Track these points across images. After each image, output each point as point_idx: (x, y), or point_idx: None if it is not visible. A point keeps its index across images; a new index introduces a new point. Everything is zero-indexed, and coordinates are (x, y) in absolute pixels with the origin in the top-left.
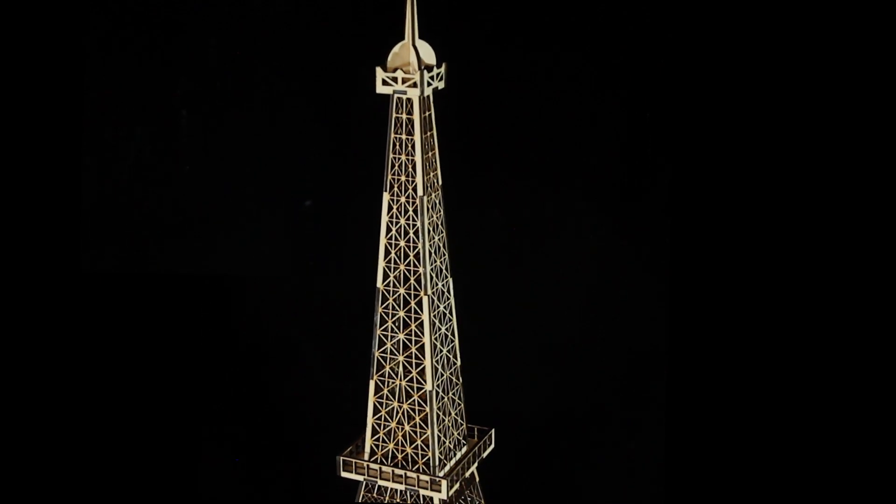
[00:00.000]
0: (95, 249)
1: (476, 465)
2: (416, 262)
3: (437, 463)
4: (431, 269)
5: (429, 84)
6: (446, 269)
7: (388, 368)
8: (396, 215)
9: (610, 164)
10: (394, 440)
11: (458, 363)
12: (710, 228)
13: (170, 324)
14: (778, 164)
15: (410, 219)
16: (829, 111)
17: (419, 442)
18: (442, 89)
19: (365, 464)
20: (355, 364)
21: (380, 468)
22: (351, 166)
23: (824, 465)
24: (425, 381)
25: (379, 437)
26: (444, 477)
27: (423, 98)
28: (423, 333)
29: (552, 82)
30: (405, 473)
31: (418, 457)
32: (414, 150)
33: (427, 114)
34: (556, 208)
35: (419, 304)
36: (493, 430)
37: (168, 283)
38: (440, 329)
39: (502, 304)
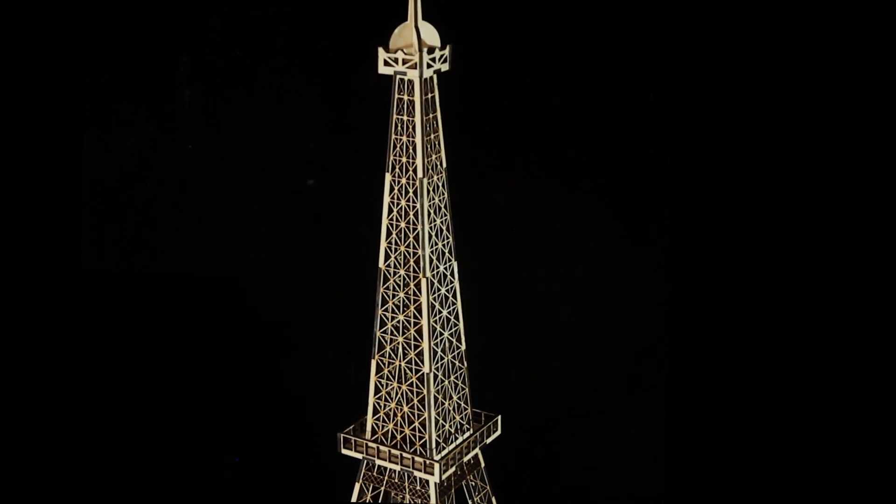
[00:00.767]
0: (95, 249)
1: (478, 449)
2: (417, 244)
3: (433, 445)
4: (431, 252)
5: (429, 66)
6: (449, 253)
7: (388, 349)
8: (398, 196)
9: (612, 153)
10: (393, 420)
11: (463, 347)
12: (711, 211)
13: (170, 324)
14: (778, 162)
15: (411, 200)
16: (828, 111)
17: (417, 424)
18: (450, 72)
19: (364, 442)
20: (360, 345)
21: (377, 447)
22: (356, 147)
23: (824, 461)
24: (423, 364)
25: (380, 417)
26: (438, 460)
27: (424, 80)
28: (421, 315)
29: (559, 69)
30: (401, 454)
31: (416, 438)
32: (415, 132)
33: (430, 96)
34: (559, 197)
35: (419, 286)
36: (499, 417)
37: (168, 283)
38: (441, 312)
39: (508, 292)
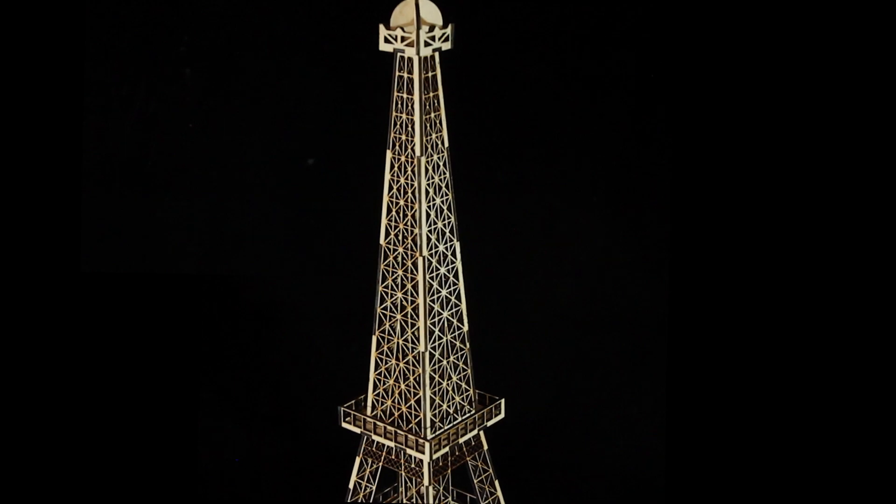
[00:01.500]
0: (95, 249)
1: (476, 431)
2: (414, 222)
3: (427, 424)
4: (429, 231)
5: (427, 44)
6: (451, 233)
7: (387, 325)
8: (398, 174)
9: (616, 140)
10: (391, 397)
11: (465, 328)
12: (711, 186)
13: (170, 324)
14: (778, 162)
15: (409, 178)
16: (828, 111)
17: (413, 402)
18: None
19: (362, 417)
20: (362, 322)
21: (374, 423)
22: (362, 123)
23: (824, 459)
24: (418, 342)
25: (379, 394)
26: (430, 439)
27: (423, 58)
28: (417, 294)
29: (565, 55)
30: (395, 431)
31: (412, 416)
32: (414, 110)
33: (431, 74)
34: (562, 184)
35: (416, 264)
36: (502, 401)
37: (168, 283)
38: (439, 292)
39: (512, 275)
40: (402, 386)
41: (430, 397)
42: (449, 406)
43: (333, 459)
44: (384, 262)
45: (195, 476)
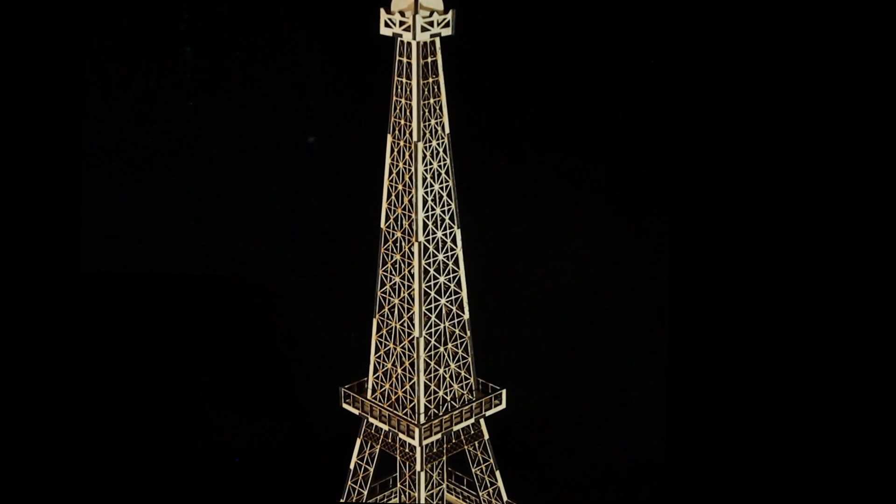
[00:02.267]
0: (95, 249)
1: (473, 420)
2: (412, 208)
3: (421, 410)
4: (427, 217)
5: (425, 29)
6: (451, 220)
7: (386, 309)
8: (397, 158)
9: (617, 128)
10: (389, 381)
11: (466, 316)
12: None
13: (170, 324)
14: (778, 161)
15: (407, 163)
16: (828, 110)
17: (408, 387)
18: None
19: (361, 399)
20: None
21: (371, 405)
22: (364, 107)
23: (823, 447)
24: (413, 327)
25: (378, 376)
26: (420, 424)
27: (423, 43)
28: (413, 279)
29: (570, 47)
30: (389, 415)
31: (407, 401)
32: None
33: (431, 59)
34: (565, 174)
35: (413, 249)
36: (503, 391)
37: (168, 283)
38: (437, 278)
39: (516, 266)
40: (399, 370)
41: (425, 383)
42: (446, 393)
43: (338, 444)
44: (384, 245)
45: (196, 474)
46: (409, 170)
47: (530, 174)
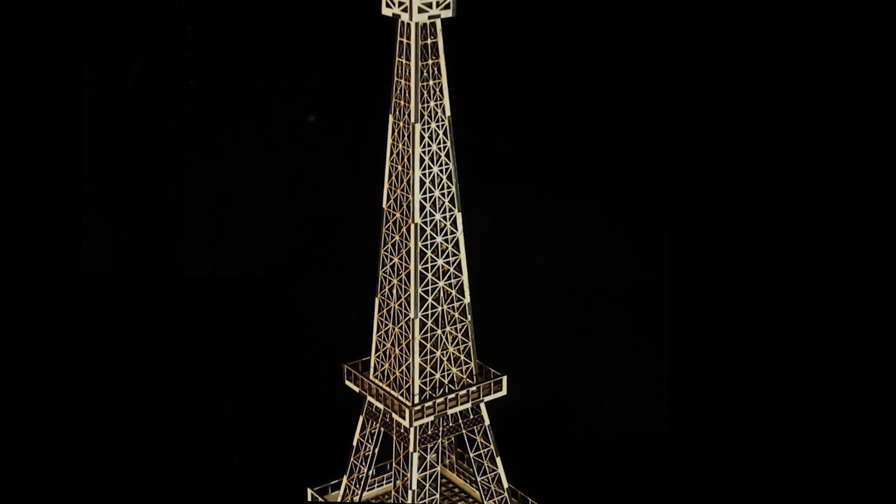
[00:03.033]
0: (95, 249)
1: (470, 405)
2: (409, 188)
3: (415, 391)
4: (424, 199)
5: (422, 10)
6: (451, 203)
7: (387, 289)
8: (398, 139)
9: (618, 121)
10: (388, 361)
11: (467, 300)
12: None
13: (170, 324)
14: (778, 161)
15: (406, 144)
16: (828, 110)
17: (404, 367)
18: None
19: (360, 377)
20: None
21: (370, 384)
22: (366, 86)
23: (823, 437)
24: (409, 309)
25: (380, 356)
26: (411, 406)
27: (422, 24)
28: (410, 261)
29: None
30: (385, 394)
31: (403, 382)
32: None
33: (431, 41)
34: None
35: (410, 230)
36: (504, 377)
37: (168, 283)
38: (435, 261)
39: (517, 254)
40: (396, 351)
41: (420, 365)
42: (444, 376)
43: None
44: (385, 225)
45: (196, 474)
46: (409, 151)
47: (534, 160)
